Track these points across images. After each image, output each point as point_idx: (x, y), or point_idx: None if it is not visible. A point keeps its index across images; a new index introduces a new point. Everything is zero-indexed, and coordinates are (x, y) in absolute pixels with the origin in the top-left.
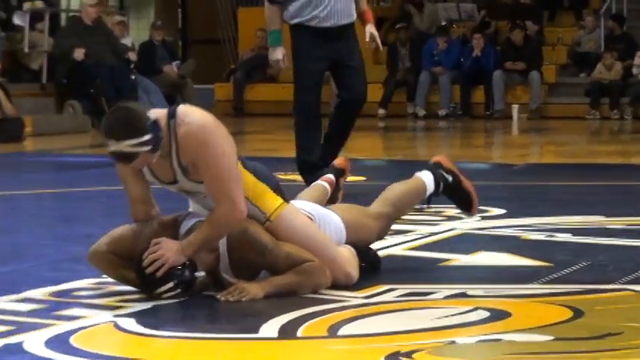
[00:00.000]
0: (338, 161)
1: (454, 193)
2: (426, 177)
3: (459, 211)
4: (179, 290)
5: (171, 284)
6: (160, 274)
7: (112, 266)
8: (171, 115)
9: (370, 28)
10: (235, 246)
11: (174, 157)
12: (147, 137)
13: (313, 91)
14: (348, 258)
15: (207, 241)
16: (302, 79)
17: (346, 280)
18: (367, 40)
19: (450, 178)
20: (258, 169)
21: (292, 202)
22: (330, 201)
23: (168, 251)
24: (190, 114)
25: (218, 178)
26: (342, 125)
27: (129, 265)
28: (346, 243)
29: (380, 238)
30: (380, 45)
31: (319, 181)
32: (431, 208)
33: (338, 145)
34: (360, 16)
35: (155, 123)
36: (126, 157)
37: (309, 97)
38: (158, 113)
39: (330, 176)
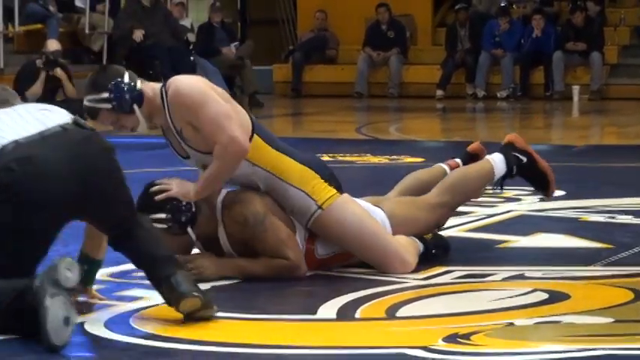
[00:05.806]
0: (472, 146)
1: (529, 173)
2: (496, 159)
3: (527, 192)
4: (168, 225)
5: (163, 215)
6: (158, 198)
7: None
8: (164, 85)
9: None
10: (225, 213)
11: (171, 125)
12: (104, 95)
13: None
14: (404, 245)
15: (214, 175)
16: None
17: (403, 268)
18: None
19: (525, 159)
20: (309, 159)
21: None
22: None
23: (178, 185)
24: (176, 79)
25: (209, 122)
26: None
27: None
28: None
29: (438, 227)
30: None
31: (442, 164)
32: (503, 192)
33: None
34: None
35: (119, 84)
36: (88, 112)
37: None
38: (153, 85)
39: (458, 161)
